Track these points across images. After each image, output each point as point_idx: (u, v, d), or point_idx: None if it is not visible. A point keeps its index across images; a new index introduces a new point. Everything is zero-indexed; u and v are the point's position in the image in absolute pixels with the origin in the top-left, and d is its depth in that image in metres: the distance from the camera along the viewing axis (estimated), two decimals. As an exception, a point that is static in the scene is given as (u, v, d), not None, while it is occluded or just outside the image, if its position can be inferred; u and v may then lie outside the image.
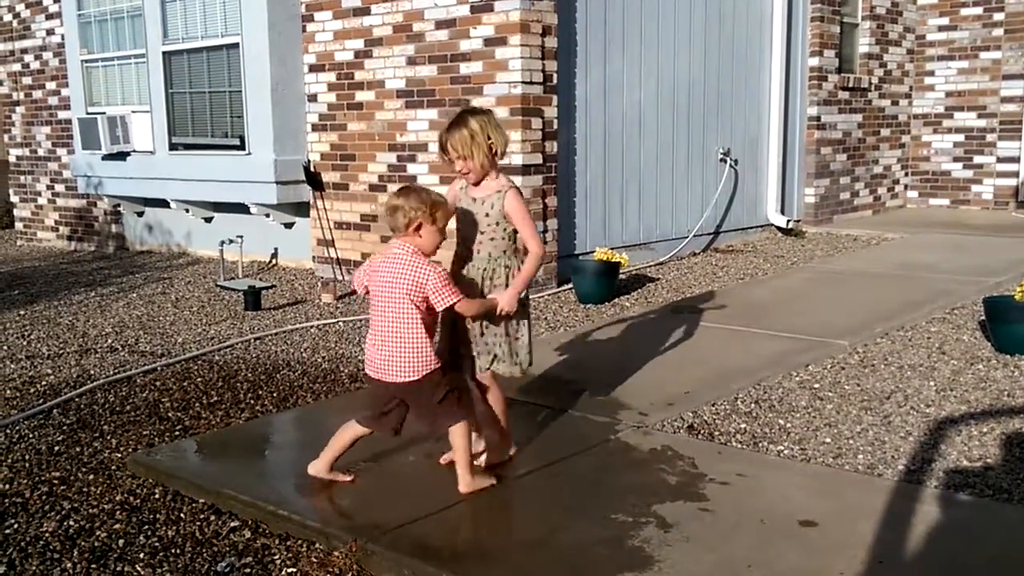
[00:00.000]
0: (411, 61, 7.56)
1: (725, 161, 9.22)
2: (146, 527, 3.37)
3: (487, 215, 3.63)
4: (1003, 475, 3.58)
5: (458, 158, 3.61)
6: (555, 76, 7.19)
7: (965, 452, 3.83)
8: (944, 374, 4.90)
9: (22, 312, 7.18)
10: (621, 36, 7.95)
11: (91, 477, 3.84)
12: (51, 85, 10.95)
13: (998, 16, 11.16)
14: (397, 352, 3.37)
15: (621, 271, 7.15)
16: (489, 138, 3.62)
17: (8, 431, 4.45)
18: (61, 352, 5.92)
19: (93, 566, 3.11)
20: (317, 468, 3.59)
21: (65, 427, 4.47)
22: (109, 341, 6.18)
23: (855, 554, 2.94)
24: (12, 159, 11.80)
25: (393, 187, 7.75)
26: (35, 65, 11.14)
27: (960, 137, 11.56)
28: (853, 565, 2.88)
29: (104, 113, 9.43)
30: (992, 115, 11.30)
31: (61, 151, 10.93)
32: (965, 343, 5.48)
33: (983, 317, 5.60)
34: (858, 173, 10.99)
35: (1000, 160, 11.30)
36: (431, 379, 3.40)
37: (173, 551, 3.19)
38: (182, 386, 5.08)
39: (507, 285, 3.62)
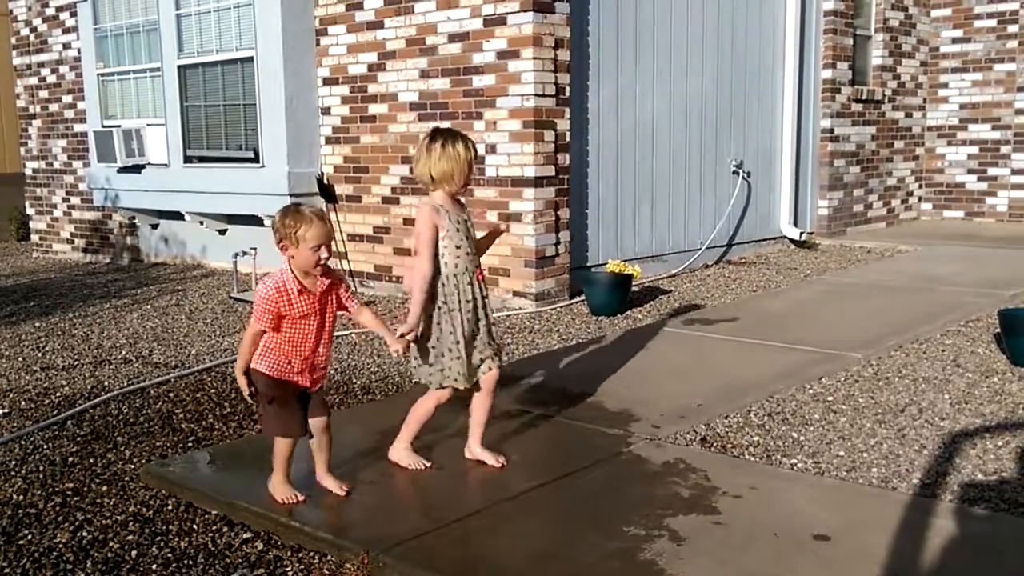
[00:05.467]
0: (424, 74, 7.60)
1: (738, 173, 9.21)
2: (159, 538, 3.38)
3: (471, 227, 3.86)
4: (1019, 489, 3.56)
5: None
6: (568, 89, 7.20)
7: (980, 466, 3.81)
8: (959, 387, 4.87)
9: (37, 324, 7.23)
10: (634, 48, 7.97)
11: (104, 488, 3.85)
12: (67, 98, 11.04)
13: (1012, 28, 11.13)
14: None
15: (633, 283, 7.14)
16: None
17: (23, 442, 4.47)
18: (76, 363, 5.95)
19: (106, 577, 3.12)
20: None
21: (79, 438, 4.49)
22: (123, 353, 6.21)
23: (869, 568, 2.92)
24: (28, 172, 11.90)
25: (405, 199, 7.79)
26: (51, 79, 11.23)
27: (974, 149, 11.52)
28: (867, 579, 2.86)
29: (119, 126, 9.50)
30: (1006, 127, 11.27)
31: (77, 164, 11.01)
32: (980, 356, 5.45)
33: (998, 330, 5.57)
34: (872, 185, 10.96)
35: (1015, 172, 11.25)
36: (255, 375, 3.50)
37: (186, 562, 3.19)
38: (195, 398, 5.10)
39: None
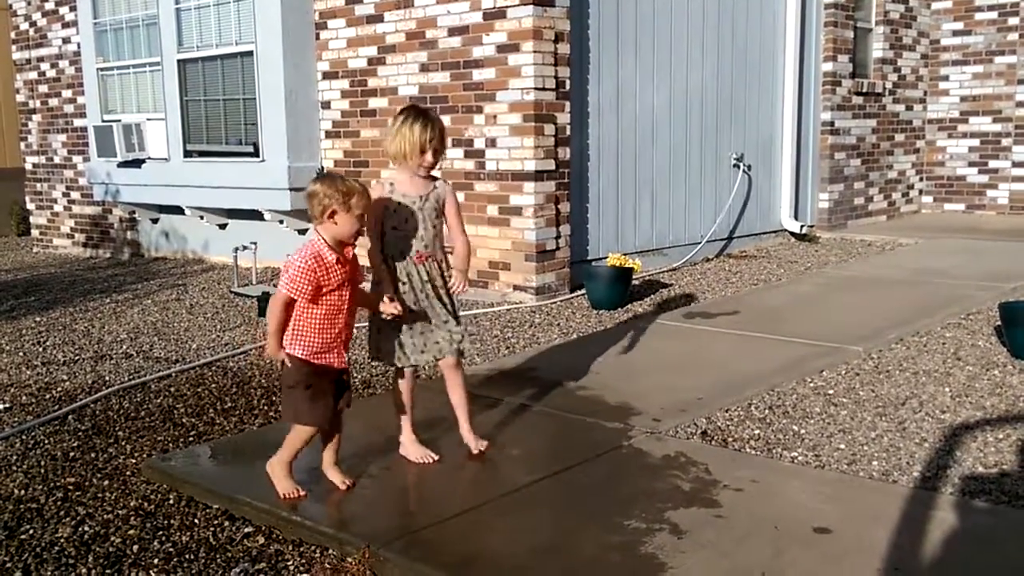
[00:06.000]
0: (424, 68, 7.59)
1: (738, 166, 9.20)
2: (160, 533, 3.39)
3: (433, 209, 3.79)
4: (1019, 481, 3.56)
5: (436, 151, 3.77)
6: (568, 82, 7.19)
7: (981, 458, 3.81)
8: (959, 380, 4.87)
9: (38, 319, 7.23)
10: (634, 42, 7.96)
11: (106, 483, 3.86)
12: (67, 93, 11.03)
13: (1013, 20, 11.11)
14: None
15: (634, 277, 7.14)
16: None
17: (24, 437, 4.47)
18: (76, 358, 5.96)
19: (108, 572, 3.12)
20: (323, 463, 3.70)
21: (80, 433, 4.49)
22: (124, 347, 6.21)
23: (870, 561, 2.92)
24: (28, 167, 11.89)
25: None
26: (51, 73, 11.22)
27: (975, 142, 11.52)
28: (868, 572, 2.86)
29: (119, 121, 9.50)
30: (1007, 119, 11.26)
31: (77, 159, 11.01)
32: (980, 349, 5.45)
33: (999, 322, 5.57)
34: (872, 178, 10.95)
35: (1015, 165, 11.25)
36: (291, 362, 3.43)
37: (187, 557, 3.20)
38: (196, 392, 5.10)
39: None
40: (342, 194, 3.35)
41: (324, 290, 3.39)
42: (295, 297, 3.37)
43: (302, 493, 3.53)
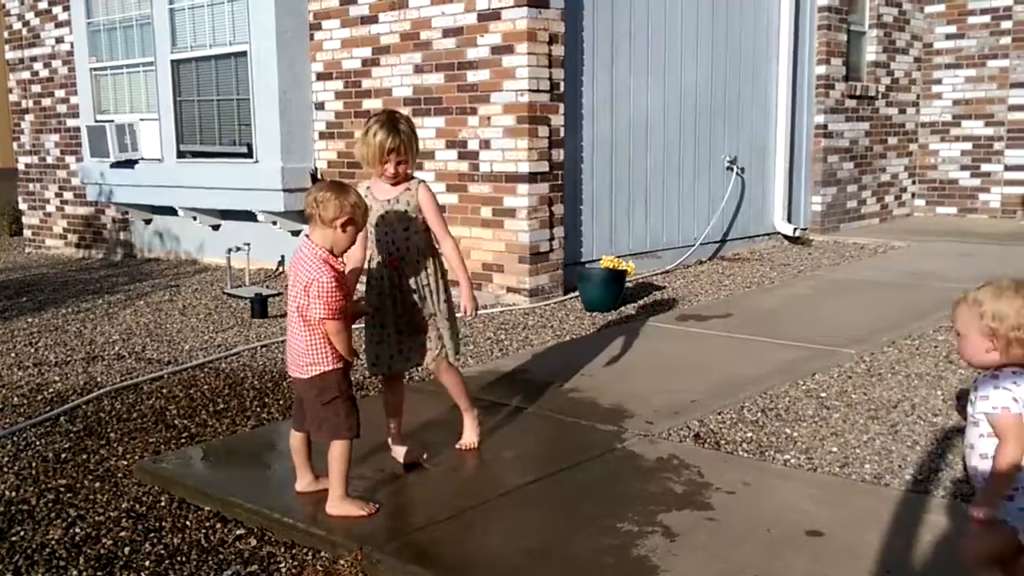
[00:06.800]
0: (418, 69, 7.58)
1: (732, 169, 9.21)
2: (152, 535, 3.38)
3: (403, 212, 3.72)
4: (1011, 485, 3.57)
5: (400, 161, 3.67)
6: (562, 84, 7.20)
7: (973, 462, 3.82)
8: (951, 383, 4.88)
9: (30, 319, 7.20)
10: (628, 44, 7.96)
11: (97, 484, 3.85)
12: (60, 93, 11.00)
13: (1006, 24, 11.15)
14: (293, 346, 3.40)
15: (627, 279, 7.14)
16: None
17: (15, 438, 4.46)
18: (68, 359, 5.94)
19: (99, 574, 3.11)
20: (303, 485, 3.60)
21: (72, 434, 4.48)
22: (116, 348, 6.19)
23: (862, 564, 2.93)
24: (21, 167, 11.85)
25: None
26: (44, 73, 11.19)
27: (967, 145, 11.55)
28: (860, 575, 2.87)
29: (113, 121, 9.47)
30: (999, 123, 11.29)
31: (70, 159, 10.97)
32: (973, 352, 5.46)
33: (991, 326, 5.58)
34: (865, 181, 10.98)
35: (1008, 168, 11.28)
36: (322, 379, 3.35)
37: (179, 559, 3.19)
38: (188, 393, 5.09)
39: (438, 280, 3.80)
40: (366, 206, 3.40)
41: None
42: (339, 316, 3.30)
43: (377, 506, 3.43)
